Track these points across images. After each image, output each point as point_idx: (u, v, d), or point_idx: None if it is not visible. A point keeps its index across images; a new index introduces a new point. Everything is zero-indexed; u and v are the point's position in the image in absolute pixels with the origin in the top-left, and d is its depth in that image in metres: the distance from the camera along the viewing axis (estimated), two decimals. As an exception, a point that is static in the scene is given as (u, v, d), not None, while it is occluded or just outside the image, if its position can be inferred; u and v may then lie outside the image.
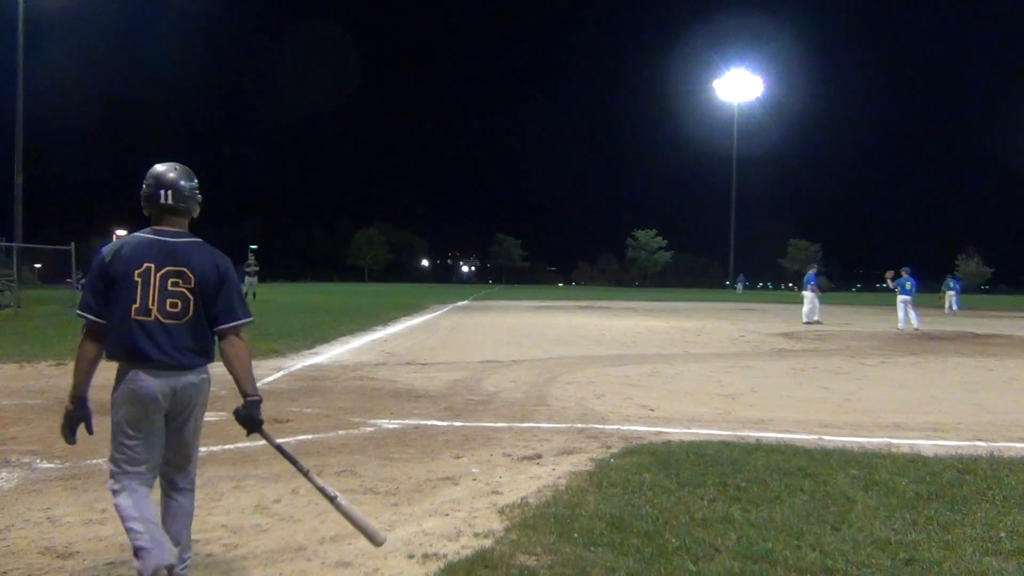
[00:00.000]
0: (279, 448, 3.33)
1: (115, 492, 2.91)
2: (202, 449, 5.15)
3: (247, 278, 29.39)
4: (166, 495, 3.08)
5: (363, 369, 9.58)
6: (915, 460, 4.92)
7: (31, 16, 28.49)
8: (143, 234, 3.01)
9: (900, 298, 20.14)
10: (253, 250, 34.65)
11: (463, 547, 3.39)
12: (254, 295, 27.95)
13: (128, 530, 2.85)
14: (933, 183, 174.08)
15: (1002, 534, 3.56)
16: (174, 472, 3.09)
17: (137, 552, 2.80)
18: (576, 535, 3.46)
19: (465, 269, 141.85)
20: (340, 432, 5.84)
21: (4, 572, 3.11)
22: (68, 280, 27.01)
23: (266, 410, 6.88)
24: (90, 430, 3.07)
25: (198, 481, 3.27)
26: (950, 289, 31.68)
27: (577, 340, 14.82)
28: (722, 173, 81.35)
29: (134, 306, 2.88)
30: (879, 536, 3.51)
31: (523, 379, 8.92)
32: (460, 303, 32.27)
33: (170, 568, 2.80)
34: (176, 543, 2.96)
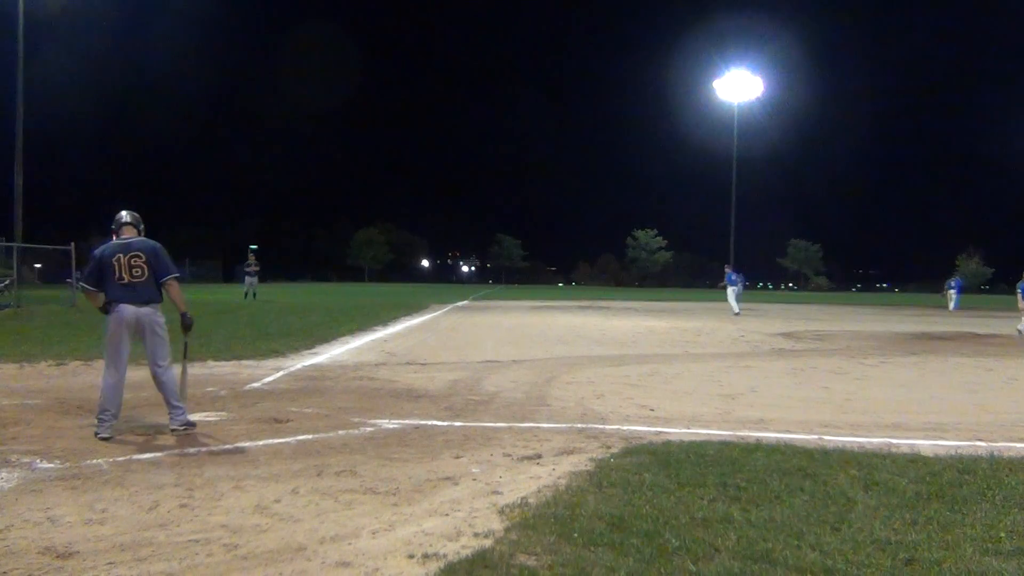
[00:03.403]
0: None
1: (104, 374, 5.61)
2: (202, 449, 5.19)
3: (247, 278, 29.37)
4: (153, 373, 5.74)
5: (363, 369, 9.58)
6: (915, 460, 4.92)
7: (31, 16, 28.49)
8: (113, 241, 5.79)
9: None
10: (253, 250, 34.63)
11: (463, 547, 3.39)
12: (254, 295, 27.93)
13: (101, 391, 5.56)
14: (933, 183, 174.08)
15: (1002, 534, 3.56)
16: (156, 359, 5.72)
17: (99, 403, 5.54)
18: (576, 535, 3.46)
19: (465, 269, 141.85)
20: (340, 432, 5.84)
21: (4, 572, 3.11)
22: (68, 280, 27.00)
23: (266, 410, 6.91)
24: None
25: (198, 481, 4.31)
26: (951, 288, 33.57)
27: (577, 340, 14.82)
28: (722, 173, 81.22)
29: (115, 275, 5.62)
30: (879, 536, 3.51)
31: (523, 379, 8.92)
32: (460, 303, 32.28)
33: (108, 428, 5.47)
34: (168, 402, 5.65)
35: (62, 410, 6.54)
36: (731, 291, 25.85)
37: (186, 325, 5.92)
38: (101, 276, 5.62)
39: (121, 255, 5.63)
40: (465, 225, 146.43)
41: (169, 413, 5.70)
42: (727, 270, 27.08)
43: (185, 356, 6.19)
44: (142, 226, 5.94)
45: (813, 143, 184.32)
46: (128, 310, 5.54)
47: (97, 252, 5.70)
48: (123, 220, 5.87)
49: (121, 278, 5.58)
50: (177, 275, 5.83)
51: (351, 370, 9.45)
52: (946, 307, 32.83)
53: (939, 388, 8.92)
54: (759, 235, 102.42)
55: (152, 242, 5.82)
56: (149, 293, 5.65)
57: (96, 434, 5.44)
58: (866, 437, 5.82)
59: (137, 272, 5.61)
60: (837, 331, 18.70)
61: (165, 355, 5.72)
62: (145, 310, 5.61)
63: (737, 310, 25.32)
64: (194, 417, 6.19)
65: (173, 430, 5.59)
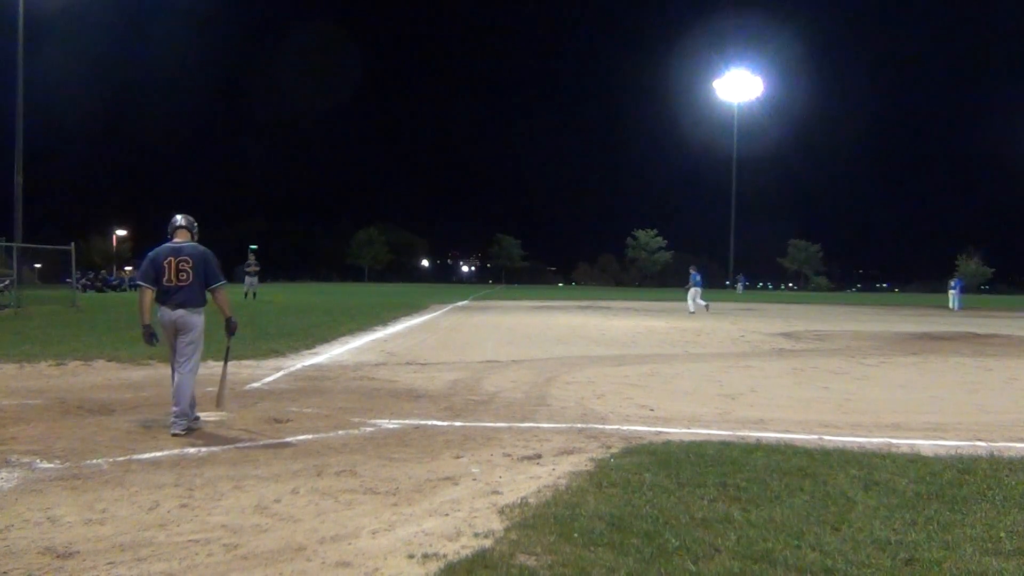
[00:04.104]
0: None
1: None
2: (202, 449, 5.19)
3: (247, 278, 29.37)
4: (175, 370, 5.85)
5: (363, 369, 9.58)
6: (915, 460, 4.92)
7: (31, 16, 28.49)
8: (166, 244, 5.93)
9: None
10: (253, 250, 34.64)
11: (463, 547, 3.39)
12: (254, 295, 27.94)
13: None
14: (933, 183, 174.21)
15: (1002, 534, 3.56)
16: (181, 358, 5.84)
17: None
18: (576, 535, 3.46)
19: (465, 269, 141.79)
20: (340, 432, 5.84)
21: (4, 572, 3.11)
22: (68, 280, 27.01)
23: (266, 410, 6.90)
24: (156, 339, 5.88)
25: (198, 481, 4.30)
26: (952, 288, 35.45)
27: (577, 340, 14.82)
28: (722, 173, 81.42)
29: (164, 277, 5.77)
30: (879, 536, 3.51)
31: (523, 379, 8.91)
32: (460, 303, 32.27)
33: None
34: (177, 401, 5.65)
35: (62, 410, 6.54)
36: (693, 291, 26.20)
37: (230, 330, 6.07)
38: (156, 276, 5.77)
39: (172, 258, 5.78)
40: (465, 225, 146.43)
41: (171, 417, 5.68)
42: (692, 271, 27.60)
43: (226, 361, 6.33)
44: (196, 228, 6.11)
45: (813, 143, 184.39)
46: (166, 313, 5.76)
47: (152, 253, 5.90)
48: (177, 224, 6.01)
49: (169, 280, 5.75)
50: (224, 282, 6.01)
51: (351, 370, 9.45)
52: (948, 307, 33.93)
53: (939, 388, 8.92)
54: (759, 235, 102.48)
55: (203, 249, 5.97)
56: (190, 297, 5.78)
57: (171, 431, 5.60)
58: (866, 437, 5.82)
59: (183, 276, 5.76)
60: (837, 331, 18.70)
61: (187, 359, 5.81)
62: (180, 312, 5.75)
63: (692, 309, 25.74)
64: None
65: (174, 434, 5.59)
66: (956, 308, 33.31)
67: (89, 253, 74.55)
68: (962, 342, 15.73)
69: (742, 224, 76.81)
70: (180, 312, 5.75)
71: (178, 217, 6.08)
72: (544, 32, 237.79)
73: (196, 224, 6.14)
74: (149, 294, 5.80)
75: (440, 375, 9.14)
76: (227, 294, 6.06)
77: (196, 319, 5.83)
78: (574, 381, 8.87)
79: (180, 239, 5.96)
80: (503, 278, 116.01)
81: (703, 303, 25.91)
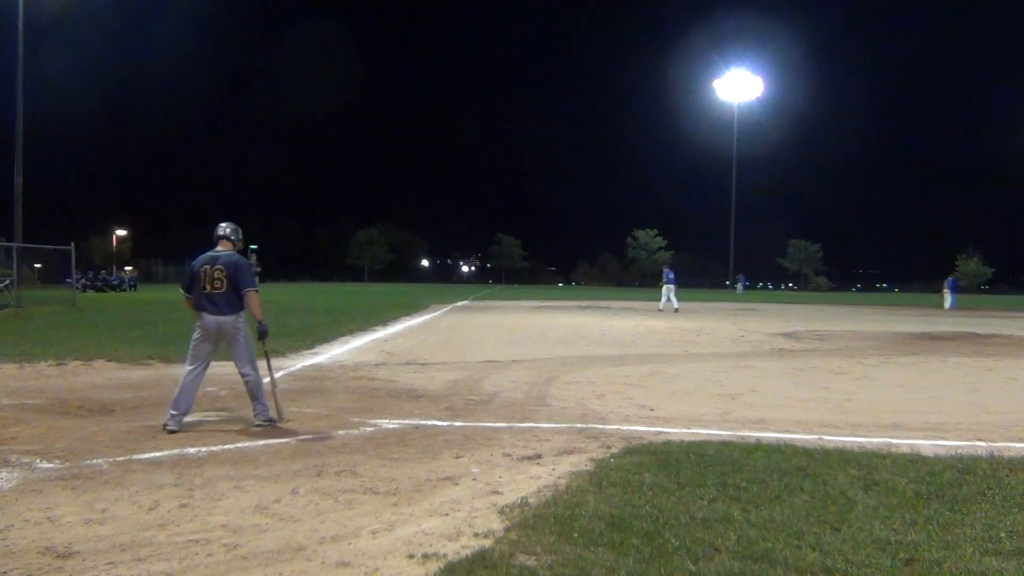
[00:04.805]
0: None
1: (187, 370, 6.02)
2: (202, 449, 5.19)
3: None
4: (241, 374, 6.15)
5: (363, 369, 9.58)
6: (915, 460, 4.92)
7: (31, 16, 28.48)
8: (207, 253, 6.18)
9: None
10: (254, 250, 34.52)
11: (463, 547, 3.39)
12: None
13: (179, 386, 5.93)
14: (933, 183, 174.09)
15: (1002, 534, 3.56)
16: (239, 366, 6.15)
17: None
18: (576, 535, 3.46)
19: (465, 269, 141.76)
20: (340, 432, 5.84)
21: (4, 572, 3.11)
22: (68, 280, 27.01)
23: (266, 410, 6.80)
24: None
25: (198, 481, 4.36)
26: (946, 288, 35.52)
27: (577, 340, 14.82)
28: (722, 173, 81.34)
29: (199, 285, 6.02)
30: (879, 536, 3.51)
31: (523, 379, 8.91)
32: (460, 303, 32.28)
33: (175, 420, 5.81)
34: (253, 396, 6.11)
35: (62, 410, 6.54)
36: (667, 288, 26.78)
37: (262, 334, 6.21)
38: (192, 284, 6.07)
39: (208, 266, 6.05)
40: (465, 225, 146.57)
41: (253, 410, 6.11)
42: (665, 269, 28.50)
43: (270, 368, 6.40)
44: (239, 235, 6.38)
45: (813, 143, 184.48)
46: (210, 319, 5.99)
47: (193, 262, 6.18)
48: (219, 234, 6.30)
49: (204, 288, 6.01)
50: (253, 288, 6.17)
51: (351, 370, 9.45)
52: (942, 306, 33.98)
53: (939, 388, 8.91)
54: (759, 235, 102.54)
55: (237, 257, 6.22)
56: (226, 304, 6.01)
57: (164, 426, 5.78)
58: (866, 437, 5.82)
59: (217, 284, 6.00)
60: (837, 331, 18.69)
61: (245, 362, 6.10)
62: (225, 319, 6.01)
63: (661, 307, 26.71)
64: (194, 417, 6.20)
65: (256, 425, 5.99)
66: (950, 308, 33.40)
67: (89, 253, 74.57)
68: (962, 342, 15.72)
69: (742, 224, 76.74)
70: (219, 319, 6.00)
71: (223, 225, 6.34)
72: (544, 32, 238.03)
73: (240, 232, 6.41)
74: (190, 302, 6.13)
75: (440, 375, 9.14)
76: (257, 299, 6.16)
77: (236, 324, 6.07)
78: (574, 381, 8.87)
79: (221, 248, 6.22)
80: (503, 278, 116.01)
81: (675, 303, 26.34)
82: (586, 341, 14.61)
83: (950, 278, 37.00)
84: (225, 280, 6.01)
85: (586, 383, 8.71)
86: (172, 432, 5.70)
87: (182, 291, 6.20)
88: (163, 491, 4.21)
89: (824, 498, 4.06)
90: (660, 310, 26.54)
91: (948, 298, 34.64)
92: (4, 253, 22.85)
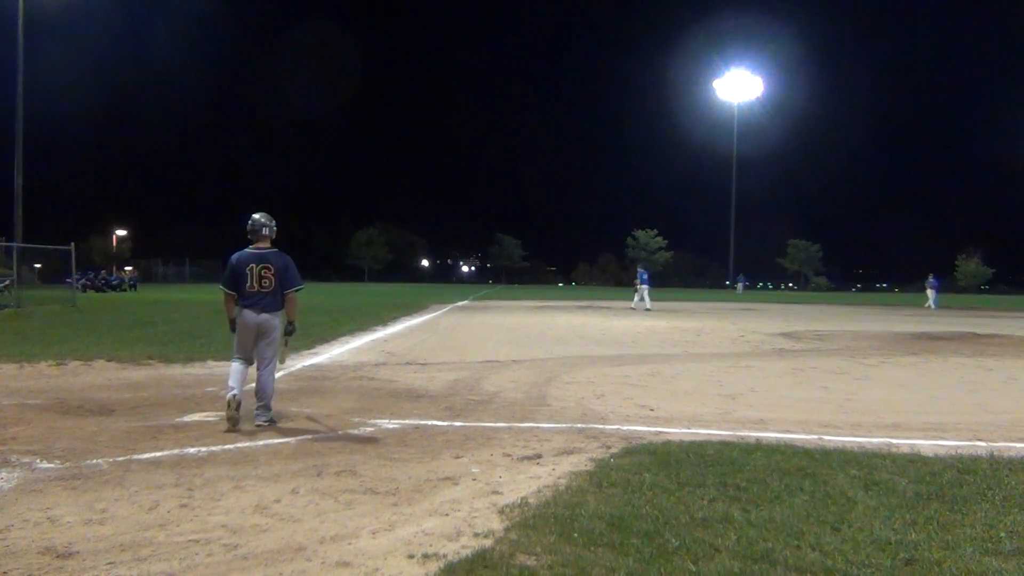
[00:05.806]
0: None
1: (232, 363, 6.09)
2: (202, 449, 5.20)
3: None
4: (258, 369, 6.11)
5: (363, 369, 9.58)
6: (915, 460, 4.92)
7: (31, 16, 28.49)
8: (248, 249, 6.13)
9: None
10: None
11: (463, 547, 3.39)
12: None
13: (229, 381, 5.97)
14: (933, 183, 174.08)
15: (1002, 534, 3.56)
16: (258, 364, 6.12)
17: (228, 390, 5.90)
18: (576, 535, 3.46)
19: (465, 269, 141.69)
20: (340, 432, 5.84)
21: (4, 572, 3.11)
22: (68, 280, 27.00)
23: (268, 412, 6.82)
24: (235, 329, 6.14)
25: (198, 481, 4.39)
26: (929, 287, 35.22)
27: (577, 340, 14.82)
28: (722, 173, 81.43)
29: (246, 284, 5.99)
30: (879, 536, 3.51)
31: (523, 379, 8.92)
32: (460, 303, 32.27)
33: (233, 396, 5.83)
34: (260, 397, 6.03)
35: (62, 410, 6.54)
36: (642, 288, 27.58)
37: (289, 332, 6.24)
38: (236, 281, 6.01)
39: (254, 265, 6.01)
40: (465, 225, 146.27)
41: (255, 410, 6.05)
42: (639, 269, 29.48)
43: (281, 360, 6.44)
44: (275, 230, 6.27)
45: (813, 143, 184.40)
46: (251, 316, 5.99)
47: (234, 259, 6.08)
48: (261, 233, 6.15)
49: (252, 286, 5.98)
50: (302, 287, 6.25)
51: (351, 370, 9.45)
52: (926, 306, 33.85)
53: (939, 388, 8.92)
54: (759, 235, 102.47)
55: (284, 256, 6.18)
56: (272, 303, 6.04)
57: (255, 421, 5.96)
58: (866, 437, 5.82)
59: (266, 283, 6.00)
60: (837, 331, 18.69)
61: (267, 361, 6.12)
62: (264, 316, 6.02)
63: (634, 306, 27.66)
64: (194, 417, 6.21)
65: (257, 425, 5.95)
66: (933, 307, 33.37)
67: (89, 253, 74.54)
68: (962, 342, 15.72)
69: (742, 224, 76.85)
70: (265, 317, 6.00)
71: (258, 218, 6.16)
72: (544, 32, 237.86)
73: (275, 224, 6.28)
74: (232, 300, 6.08)
75: (440, 375, 9.14)
76: (298, 300, 6.29)
77: (276, 322, 6.11)
78: (574, 381, 8.87)
79: (263, 245, 6.13)
80: (503, 278, 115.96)
81: (647, 304, 27.06)
82: (586, 341, 14.61)
83: (932, 277, 36.19)
84: (274, 279, 6.01)
85: (586, 383, 8.71)
86: (261, 426, 5.89)
87: (223, 288, 6.12)
88: (163, 491, 4.21)
89: (824, 498, 4.06)
90: (632, 308, 27.45)
91: (931, 297, 34.54)
92: (4, 253, 22.88)
